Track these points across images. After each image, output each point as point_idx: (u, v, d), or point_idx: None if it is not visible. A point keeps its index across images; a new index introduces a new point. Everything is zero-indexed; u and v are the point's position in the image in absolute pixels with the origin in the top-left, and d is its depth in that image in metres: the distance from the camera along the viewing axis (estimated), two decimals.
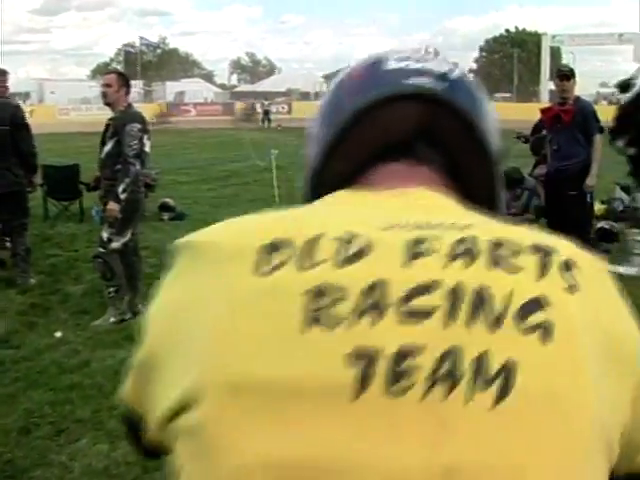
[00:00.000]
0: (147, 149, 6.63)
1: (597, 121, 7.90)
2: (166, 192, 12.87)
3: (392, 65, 0.91)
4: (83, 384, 5.05)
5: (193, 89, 70.81)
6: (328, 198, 0.86)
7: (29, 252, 7.86)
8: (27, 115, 8.45)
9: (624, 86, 7.79)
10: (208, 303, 0.73)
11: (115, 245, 6.43)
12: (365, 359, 0.65)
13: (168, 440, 0.74)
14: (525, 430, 0.67)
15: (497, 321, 0.68)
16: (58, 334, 6.06)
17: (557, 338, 0.69)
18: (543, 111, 8.47)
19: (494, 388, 0.66)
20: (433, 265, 0.71)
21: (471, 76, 0.97)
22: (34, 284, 7.68)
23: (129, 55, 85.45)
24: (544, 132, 8.81)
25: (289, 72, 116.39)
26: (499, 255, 0.73)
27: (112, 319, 6.43)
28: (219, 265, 0.74)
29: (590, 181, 7.72)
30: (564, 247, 0.78)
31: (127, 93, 6.53)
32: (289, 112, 60.50)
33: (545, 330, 0.69)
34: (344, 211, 0.82)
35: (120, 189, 6.30)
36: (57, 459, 4.03)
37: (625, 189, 11.73)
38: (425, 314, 0.68)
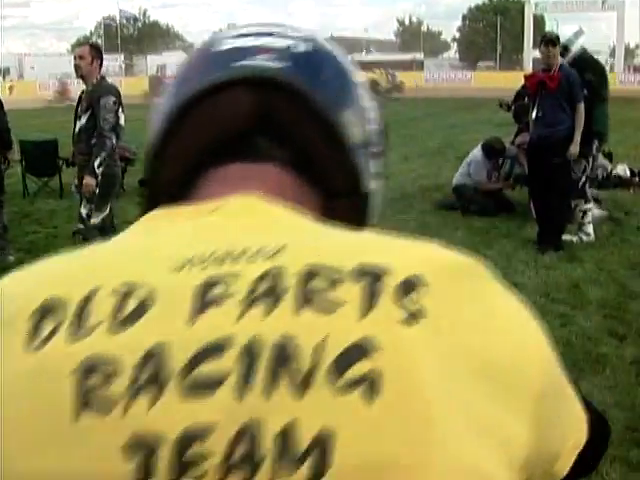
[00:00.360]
0: (122, 122, 6.54)
1: (582, 89, 7.84)
2: None
3: (227, 45, 0.76)
4: None
5: (175, 62, 70.23)
6: (135, 225, 0.70)
7: (6, 229, 7.77)
8: (7, 91, 8.33)
9: (563, 48, 7.98)
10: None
11: (94, 221, 6.36)
12: (144, 449, 0.52)
13: None
14: None
15: (306, 382, 0.53)
16: None
17: (387, 392, 0.54)
18: (527, 77, 8.36)
19: (305, 469, 0.52)
20: (225, 316, 0.56)
21: (334, 49, 0.80)
22: (13, 261, 7.58)
23: (109, 28, 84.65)
24: (527, 100, 8.76)
25: None
26: (311, 290, 0.57)
27: None
28: None
29: (573, 148, 7.65)
30: (405, 261, 0.61)
31: (100, 65, 6.42)
32: None
33: (370, 384, 0.54)
34: (133, 248, 0.66)
35: (96, 163, 6.22)
36: None
37: (608, 156, 11.74)
38: (214, 384, 0.54)
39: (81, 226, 6.41)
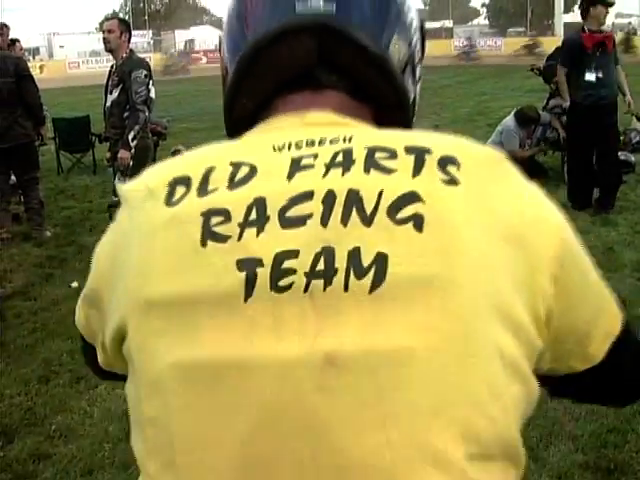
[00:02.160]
0: (153, 95, 6.59)
1: None
2: (178, 140, 12.81)
3: None
4: None
5: (203, 36, 70.13)
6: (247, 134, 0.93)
7: (43, 205, 7.87)
8: (37, 70, 8.40)
9: None
10: (133, 239, 0.83)
11: None
12: (250, 265, 0.74)
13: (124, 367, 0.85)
14: (403, 313, 0.72)
15: (370, 218, 0.75)
16: (74, 284, 6.08)
17: (430, 228, 0.74)
18: (586, 38, 7.75)
19: (369, 276, 0.72)
20: (311, 177, 0.78)
21: None
22: (49, 237, 7.71)
23: (136, 5, 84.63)
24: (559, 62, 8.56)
25: None
26: (374, 161, 0.79)
27: None
28: (140, 205, 0.84)
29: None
30: (440, 146, 0.82)
31: (129, 40, 6.46)
32: None
33: (417, 221, 0.74)
34: (239, 143, 0.90)
35: (130, 136, 6.28)
36: (77, 405, 4.09)
37: None
38: (302, 220, 0.75)
39: (116, 199, 6.48)
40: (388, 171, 0.78)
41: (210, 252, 0.76)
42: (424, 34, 1.02)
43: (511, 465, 0.79)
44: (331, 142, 0.83)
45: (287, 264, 0.74)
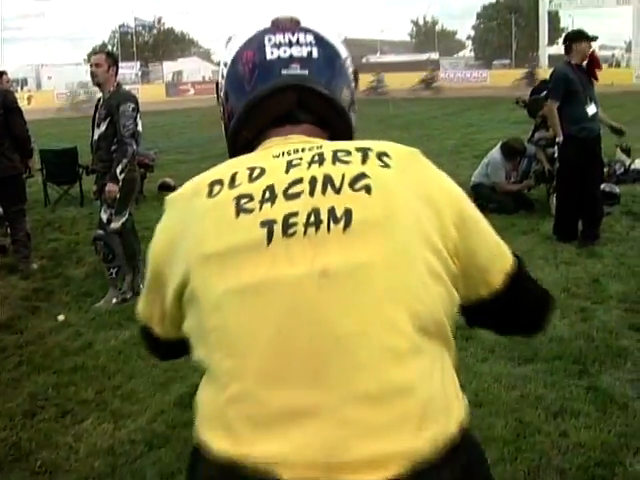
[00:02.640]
0: (140, 129, 6.61)
1: None
2: (166, 172, 12.85)
3: (272, 54, 1.43)
4: (86, 365, 5.07)
5: (191, 68, 70.49)
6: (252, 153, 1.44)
7: (29, 237, 7.85)
8: (25, 102, 8.44)
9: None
10: (187, 222, 1.31)
11: (114, 225, 6.42)
12: (269, 224, 1.23)
13: (182, 325, 1.32)
14: (366, 242, 1.22)
15: (338, 189, 1.25)
16: (61, 317, 6.07)
17: (375, 192, 1.25)
18: (576, 71, 7.77)
19: (342, 222, 1.22)
20: (300, 170, 1.29)
21: (330, 36, 1.48)
22: (36, 269, 7.68)
23: (125, 37, 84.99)
24: (543, 94, 8.62)
25: None
26: (337, 157, 1.30)
27: (114, 300, 6.44)
28: (188, 202, 1.33)
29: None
30: (377, 146, 1.35)
31: (116, 73, 6.48)
32: None
33: (367, 189, 1.25)
34: (251, 155, 1.41)
35: (118, 170, 6.28)
36: (62, 440, 4.05)
37: (626, 151, 11.69)
38: (297, 195, 1.25)
39: (101, 232, 6.47)
40: (346, 162, 1.30)
41: (242, 220, 1.25)
42: (357, 76, 1.56)
43: (444, 345, 1.28)
44: (309, 150, 1.34)
45: (291, 220, 1.23)
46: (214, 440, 1.22)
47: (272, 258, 1.21)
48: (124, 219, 6.48)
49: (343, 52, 1.49)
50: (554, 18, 70.10)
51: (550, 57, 55.63)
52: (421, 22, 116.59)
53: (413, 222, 1.25)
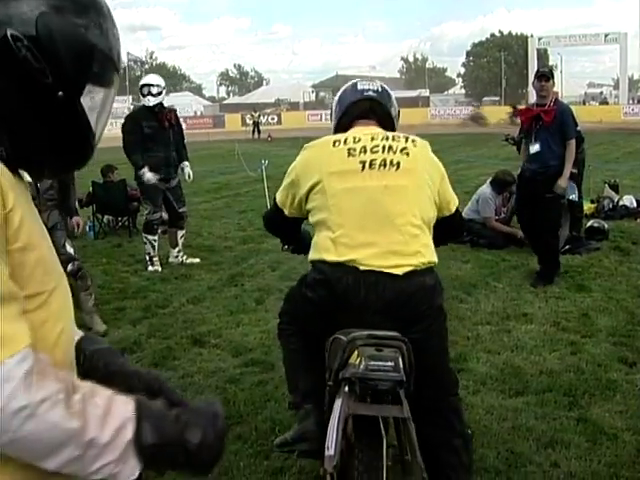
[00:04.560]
0: None
1: (575, 124, 7.84)
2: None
3: (361, 86, 3.37)
4: None
5: (182, 103, 70.77)
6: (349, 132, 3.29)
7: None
8: None
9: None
10: (319, 157, 3.17)
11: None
12: (363, 163, 3.07)
13: (305, 208, 3.18)
14: (405, 176, 3.06)
15: (395, 152, 3.10)
16: None
17: (410, 156, 3.10)
18: (522, 112, 8.21)
19: (395, 166, 3.06)
20: (377, 141, 3.13)
21: (387, 87, 3.46)
22: None
23: None
24: (517, 134, 8.76)
25: (278, 83, 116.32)
26: (394, 138, 3.16)
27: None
28: (319, 147, 3.22)
29: (563, 182, 7.59)
30: (411, 135, 3.23)
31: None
32: (279, 122, 60.58)
33: (407, 154, 3.10)
34: (349, 132, 3.24)
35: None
36: None
37: (614, 187, 11.86)
38: (376, 152, 3.08)
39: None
40: (398, 141, 3.15)
41: (350, 159, 3.07)
42: (399, 112, 3.49)
43: (430, 229, 3.10)
44: (381, 134, 3.18)
45: (373, 162, 3.06)
46: (326, 255, 2.98)
47: (362, 177, 3.04)
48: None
49: (393, 97, 3.45)
50: (543, 55, 70.85)
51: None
52: (411, 59, 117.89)
53: (425, 173, 3.12)
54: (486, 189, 9.97)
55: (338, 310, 2.95)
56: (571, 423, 4.39)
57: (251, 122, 47.59)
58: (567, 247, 8.98)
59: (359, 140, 3.10)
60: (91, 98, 1.40)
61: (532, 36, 68.52)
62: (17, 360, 1.17)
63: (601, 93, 74.67)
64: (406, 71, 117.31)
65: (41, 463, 1.23)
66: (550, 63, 74.08)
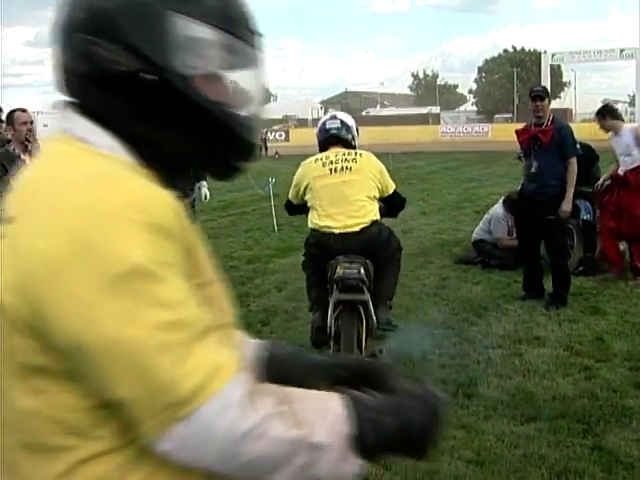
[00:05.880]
0: None
1: (574, 142, 7.64)
2: None
3: (327, 126, 5.88)
4: None
5: None
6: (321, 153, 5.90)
7: None
8: None
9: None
10: (309, 168, 5.71)
11: None
12: (331, 169, 5.58)
13: (303, 199, 5.73)
14: (355, 174, 5.54)
15: (348, 161, 5.79)
16: None
17: (358, 162, 5.60)
18: (519, 133, 8.04)
19: (349, 169, 5.57)
20: (340, 157, 5.66)
21: (348, 119, 6.03)
22: None
23: None
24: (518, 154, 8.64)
25: (286, 99, 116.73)
26: (349, 153, 5.76)
27: None
28: (308, 163, 5.77)
29: (566, 206, 7.42)
30: (360, 150, 5.85)
31: None
32: (287, 139, 60.52)
33: (355, 161, 5.63)
34: (325, 153, 5.77)
35: None
36: None
37: None
38: (338, 162, 5.67)
39: None
40: (350, 154, 5.64)
41: (324, 168, 5.58)
42: (358, 130, 6.13)
43: (376, 201, 5.73)
44: (342, 153, 5.66)
45: (337, 168, 5.54)
46: (315, 223, 5.52)
47: (331, 177, 5.48)
48: None
49: (351, 125, 5.87)
50: (557, 71, 70.75)
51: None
52: (421, 75, 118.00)
53: (369, 172, 5.53)
54: (498, 209, 9.85)
55: (327, 255, 5.42)
56: (585, 451, 4.27)
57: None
58: (581, 268, 8.84)
59: (328, 157, 5.62)
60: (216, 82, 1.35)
61: (545, 52, 68.26)
62: (232, 386, 1.19)
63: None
64: (416, 87, 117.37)
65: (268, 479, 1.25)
66: (564, 79, 74.07)
